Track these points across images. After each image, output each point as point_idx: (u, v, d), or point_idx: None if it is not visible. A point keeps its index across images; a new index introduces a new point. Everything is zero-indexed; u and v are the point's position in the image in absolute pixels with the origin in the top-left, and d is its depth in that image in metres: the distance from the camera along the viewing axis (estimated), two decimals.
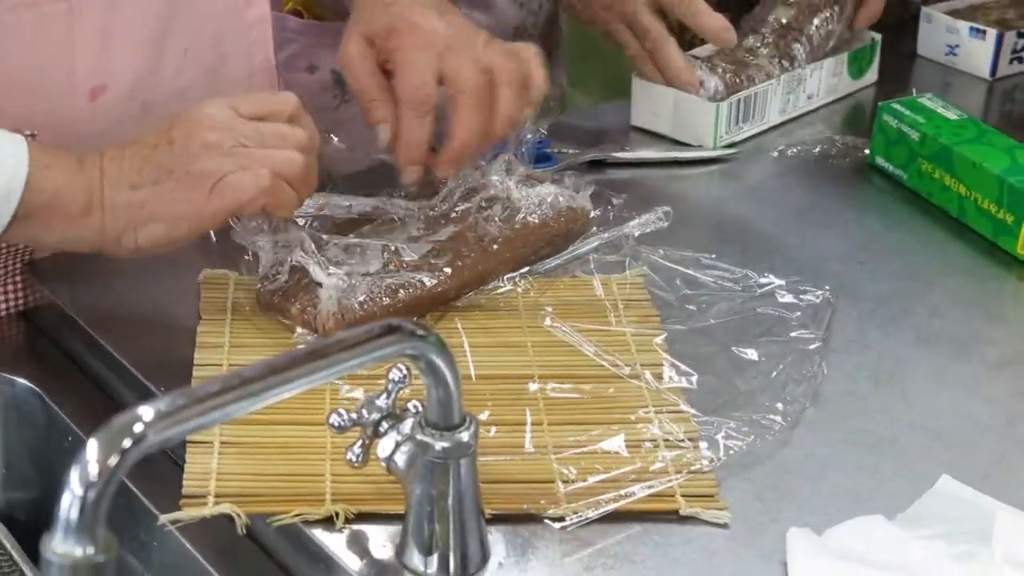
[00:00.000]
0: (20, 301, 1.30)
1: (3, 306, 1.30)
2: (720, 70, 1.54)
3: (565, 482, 1.04)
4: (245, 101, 1.16)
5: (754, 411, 1.12)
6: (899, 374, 1.19)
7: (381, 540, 1.00)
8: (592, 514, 1.02)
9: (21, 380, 1.23)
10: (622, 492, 1.03)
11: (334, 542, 1.00)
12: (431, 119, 1.26)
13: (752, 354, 1.19)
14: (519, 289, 1.26)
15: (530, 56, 1.30)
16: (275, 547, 1.04)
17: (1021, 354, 1.23)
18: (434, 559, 0.97)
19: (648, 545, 1.00)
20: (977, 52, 1.73)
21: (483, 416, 1.09)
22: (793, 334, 1.22)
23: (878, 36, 1.69)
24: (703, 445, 1.08)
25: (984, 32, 1.72)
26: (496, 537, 1.00)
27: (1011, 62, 1.74)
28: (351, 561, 0.99)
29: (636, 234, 1.32)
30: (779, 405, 1.13)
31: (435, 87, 1.25)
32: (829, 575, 0.96)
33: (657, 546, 1.00)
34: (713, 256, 1.32)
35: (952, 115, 1.46)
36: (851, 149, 1.55)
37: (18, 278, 1.29)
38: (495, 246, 1.25)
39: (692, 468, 1.06)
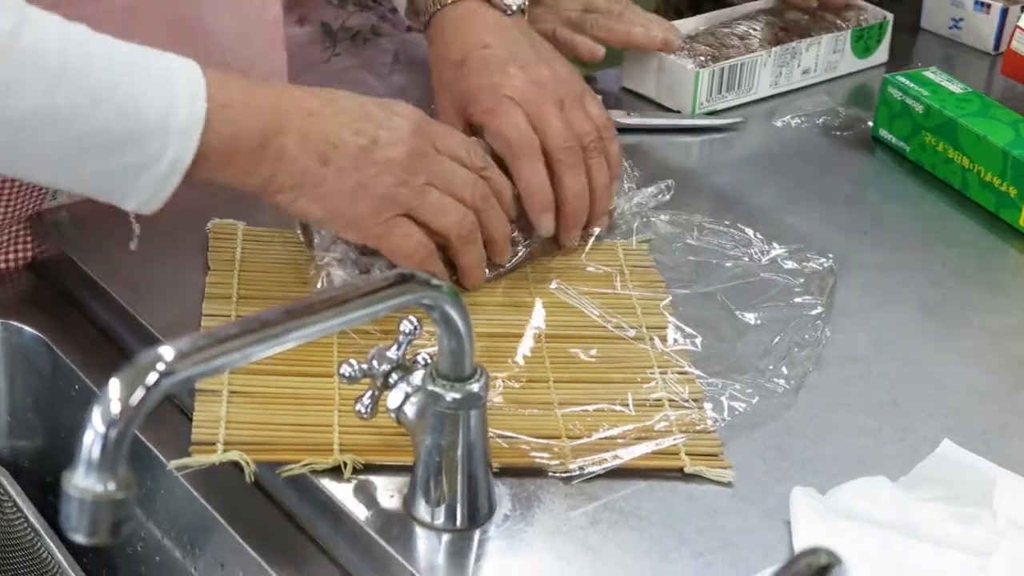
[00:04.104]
0: (29, 252, 1.30)
1: (12, 256, 1.30)
2: (700, 49, 1.55)
3: (571, 438, 1.05)
4: (445, 135, 1.15)
5: (758, 374, 1.13)
6: (901, 341, 1.20)
7: (388, 491, 1.01)
8: (597, 469, 1.03)
9: (28, 329, 1.23)
10: (627, 449, 1.04)
11: (341, 492, 1.01)
12: (540, 162, 1.22)
13: (755, 319, 1.20)
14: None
15: (607, 124, 1.28)
16: (282, 497, 1.05)
17: (1022, 324, 1.24)
18: (441, 510, 0.98)
19: (653, 501, 1.01)
20: (981, 26, 1.74)
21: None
22: (796, 300, 1.23)
23: (889, 16, 1.68)
24: (708, 406, 1.10)
25: (988, 6, 1.73)
26: (502, 491, 1.01)
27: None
28: (358, 511, 0.99)
29: (637, 207, 1.33)
30: (783, 368, 1.14)
31: (532, 133, 1.22)
32: (832, 534, 0.96)
33: (661, 502, 1.01)
34: (713, 221, 1.32)
35: (956, 88, 1.47)
36: (855, 121, 1.56)
37: (27, 228, 1.29)
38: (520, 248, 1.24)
39: (697, 428, 1.07)
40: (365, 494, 1.01)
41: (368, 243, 1.14)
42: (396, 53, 1.54)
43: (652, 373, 1.13)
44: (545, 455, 1.04)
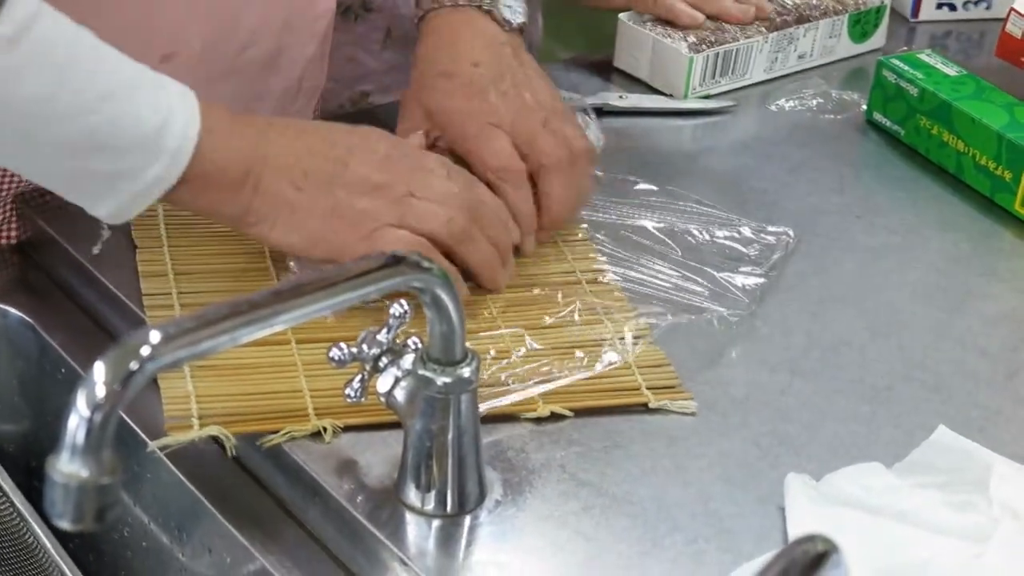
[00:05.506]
0: (14, 233, 1.29)
1: (4, 237, 1.29)
2: (696, 32, 1.54)
3: (536, 383, 1.08)
4: (423, 155, 1.15)
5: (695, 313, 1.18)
6: (896, 326, 1.19)
7: (378, 476, 1.00)
8: (565, 412, 1.06)
9: (14, 311, 1.22)
10: (584, 377, 1.09)
11: (330, 477, 1.00)
12: (527, 186, 1.20)
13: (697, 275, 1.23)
14: None
15: (591, 146, 1.26)
16: (271, 481, 1.04)
17: (1018, 310, 1.23)
18: (431, 496, 0.97)
19: (646, 487, 1.01)
20: None
21: None
22: (741, 268, 1.24)
23: (887, 0, 1.66)
24: (649, 316, 1.16)
25: None
26: (493, 476, 1.00)
27: (939, 7, 1.74)
28: (347, 496, 0.98)
29: None
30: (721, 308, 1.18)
31: (517, 157, 1.20)
32: (827, 521, 0.96)
33: (655, 489, 1.01)
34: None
35: (951, 71, 1.46)
36: (849, 104, 1.54)
37: (12, 210, 1.28)
38: None
39: (647, 342, 1.13)
40: (354, 479, 1.00)
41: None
42: (388, 29, 1.52)
43: (597, 314, 1.16)
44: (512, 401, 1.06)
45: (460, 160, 1.20)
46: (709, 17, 1.54)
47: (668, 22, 1.53)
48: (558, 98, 1.26)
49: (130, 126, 1.01)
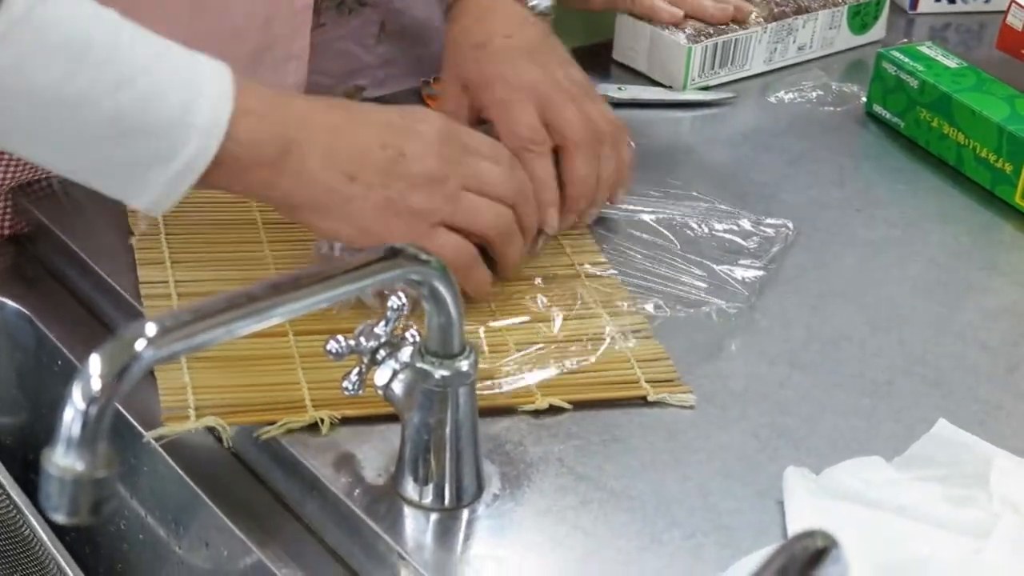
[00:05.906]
0: (9, 225, 1.28)
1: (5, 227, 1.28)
2: (694, 23, 1.53)
3: (537, 374, 1.08)
4: (471, 134, 1.13)
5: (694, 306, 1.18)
6: (896, 320, 1.19)
7: (376, 469, 0.99)
8: (564, 404, 1.06)
9: (10, 303, 1.22)
10: (583, 368, 1.09)
11: (328, 470, 0.99)
12: (549, 158, 1.19)
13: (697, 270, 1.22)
14: None
15: (621, 127, 1.25)
16: (268, 475, 1.03)
17: (1018, 303, 1.23)
18: (429, 489, 0.96)
19: (645, 481, 1.00)
20: None
21: None
22: (740, 261, 1.24)
23: None
24: (647, 308, 1.16)
25: None
26: (491, 469, 1.00)
27: (937, 0, 1.74)
28: (345, 490, 0.98)
29: None
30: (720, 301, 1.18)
31: (542, 128, 1.19)
32: (826, 514, 0.95)
33: (653, 483, 1.00)
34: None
35: (952, 63, 1.45)
36: (849, 96, 1.54)
37: (9, 203, 1.27)
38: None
39: (645, 335, 1.13)
40: (352, 472, 0.99)
41: None
42: (383, 23, 1.51)
43: (596, 307, 1.15)
44: (512, 396, 1.06)
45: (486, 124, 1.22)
46: (687, 17, 1.54)
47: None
48: (587, 80, 1.27)
49: (156, 107, 0.98)
